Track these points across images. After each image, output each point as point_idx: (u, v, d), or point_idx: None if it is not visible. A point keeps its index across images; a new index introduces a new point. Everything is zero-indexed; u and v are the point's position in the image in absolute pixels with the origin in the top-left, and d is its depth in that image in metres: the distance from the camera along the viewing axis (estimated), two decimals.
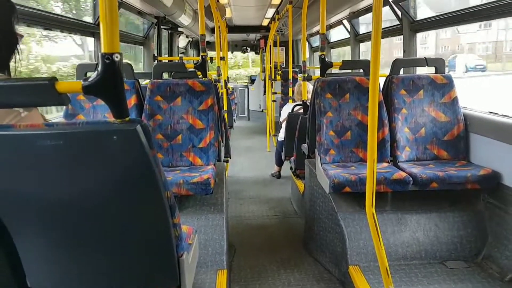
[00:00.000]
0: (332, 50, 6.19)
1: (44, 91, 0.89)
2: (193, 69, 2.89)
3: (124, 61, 3.80)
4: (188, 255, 1.24)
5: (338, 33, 5.84)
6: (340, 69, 2.88)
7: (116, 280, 1.19)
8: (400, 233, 2.18)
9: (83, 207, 1.03)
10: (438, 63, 2.56)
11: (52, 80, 0.89)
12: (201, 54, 2.79)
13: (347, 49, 5.21)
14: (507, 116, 2.09)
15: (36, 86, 0.90)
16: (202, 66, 2.71)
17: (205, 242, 2.15)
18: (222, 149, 2.77)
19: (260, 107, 8.77)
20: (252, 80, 9.59)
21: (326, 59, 2.71)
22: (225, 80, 5.07)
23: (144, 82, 3.55)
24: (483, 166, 2.18)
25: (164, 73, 2.80)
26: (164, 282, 1.20)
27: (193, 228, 1.45)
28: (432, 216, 2.20)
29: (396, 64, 2.58)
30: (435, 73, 2.56)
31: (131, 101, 2.56)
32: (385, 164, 2.38)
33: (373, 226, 1.60)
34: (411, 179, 2.11)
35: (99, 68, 0.88)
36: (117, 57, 0.88)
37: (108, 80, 0.89)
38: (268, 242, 2.80)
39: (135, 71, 2.68)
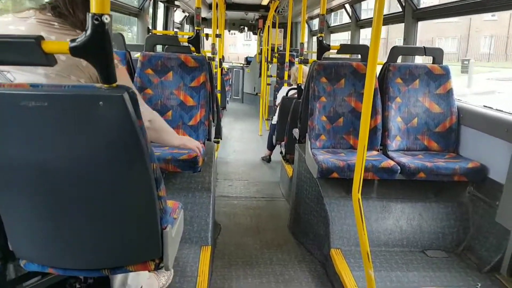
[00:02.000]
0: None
1: (30, 49, 0.86)
2: (187, 44, 2.82)
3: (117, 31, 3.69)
4: (172, 229, 1.23)
5: (339, 21, 5.74)
6: (337, 52, 2.82)
7: (99, 248, 1.19)
8: (384, 220, 2.19)
9: (67, 172, 1.01)
10: (436, 53, 2.52)
11: (38, 38, 0.86)
12: (195, 28, 2.71)
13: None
14: (501, 111, 2.08)
15: (21, 44, 0.87)
16: (196, 41, 2.63)
17: (191, 218, 2.15)
18: (213, 129, 2.73)
19: (254, 90, 8.68)
20: (248, 61, 9.44)
21: (325, 42, 2.65)
22: (220, 59, 4.97)
23: (136, 55, 3.46)
24: (472, 159, 2.18)
25: (157, 48, 2.72)
26: (147, 253, 1.20)
27: (179, 203, 1.44)
28: (417, 206, 2.21)
29: (394, 52, 2.54)
30: (432, 63, 2.52)
31: None
32: (374, 152, 2.37)
33: (357, 211, 1.60)
34: (399, 168, 2.11)
35: (88, 29, 0.85)
36: (106, 18, 0.84)
37: (96, 42, 0.86)
38: (253, 222, 2.81)
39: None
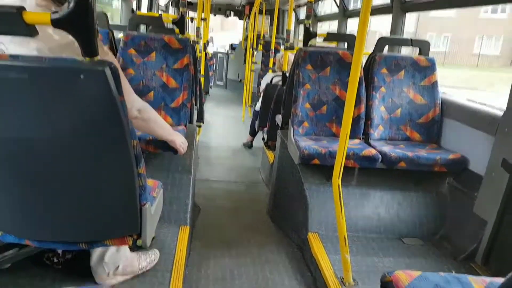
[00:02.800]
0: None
1: (11, 20, 0.85)
2: (171, 27, 2.75)
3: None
4: (151, 206, 1.24)
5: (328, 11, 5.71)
6: (324, 40, 2.81)
7: (77, 222, 1.19)
8: (363, 207, 2.21)
9: (46, 144, 1.00)
10: (422, 45, 2.54)
11: (20, 9, 0.84)
12: (180, 10, 2.65)
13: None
14: (484, 104, 2.12)
15: (3, 14, 0.86)
16: (180, 22, 2.58)
17: (170, 199, 2.13)
18: (195, 112, 2.69)
19: (238, 77, 8.59)
20: (233, 47, 9.31)
21: (311, 30, 2.63)
22: (204, 43, 4.87)
23: (119, 35, 3.34)
24: (453, 150, 2.23)
25: (142, 29, 2.64)
26: (125, 228, 1.21)
27: (159, 182, 1.43)
28: (396, 194, 2.25)
29: (381, 42, 2.54)
30: (418, 55, 2.54)
31: None
32: (356, 141, 2.39)
33: (337, 196, 1.61)
34: (380, 156, 2.13)
35: (71, 1, 0.84)
36: None
37: (79, 14, 0.85)
38: (233, 206, 2.79)
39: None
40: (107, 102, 0.92)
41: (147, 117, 1.55)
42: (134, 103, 1.48)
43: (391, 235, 2.17)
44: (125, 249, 1.60)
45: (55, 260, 1.63)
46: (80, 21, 0.86)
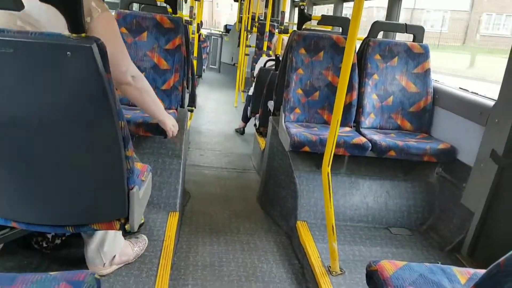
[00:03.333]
0: None
1: None
2: (164, 5, 2.66)
3: None
4: (140, 190, 1.21)
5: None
6: (318, 23, 2.74)
7: (64, 204, 1.17)
8: (351, 196, 2.21)
9: (32, 122, 0.98)
10: (417, 31, 2.50)
11: None
12: None
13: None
14: (476, 94, 2.10)
15: None
16: (173, 1, 2.50)
17: (160, 184, 2.12)
18: (187, 96, 2.64)
19: (232, 60, 8.46)
20: (227, 29, 9.14)
21: (306, 12, 2.56)
22: (198, 24, 4.76)
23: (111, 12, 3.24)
24: (443, 140, 2.22)
25: (134, 8, 2.55)
26: (112, 212, 1.19)
27: (148, 166, 1.41)
28: (384, 183, 2.25)
29: (375, 27, 2.49)
30: (412, 41, 2.50)
31: None
32: (347, 129, 2.37)
33: (326, 185, 1.59)
34: (370, 145, 2.12)
35: None
36: None
37: None
38: (223, 192, 2.78)
39: None
40: (94, 79, 0.90)
41: (140, 86, 1.49)
42: (129, 67, 1.43)
43: (378, 224, 2.18)
44: (120, 237, 1.59)
45: (44, 245, 1.62)
46: None
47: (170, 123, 1.81)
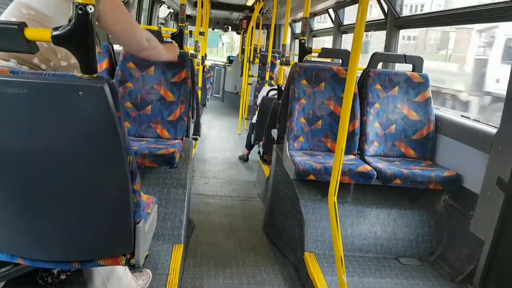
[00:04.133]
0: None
1: (12, 35, 0.87)
2: (170, 40, 2.78)
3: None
4: (145, 224, 1.21)
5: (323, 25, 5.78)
6: (318, 56, 2.83)
7: (70, 240, 1.17)
8: (359, 225, 2.19)
9: (41, 160, 1.00)
10: (416, 61, 2.56)
11: (21, 25, 0.86)
12: (179, 24, 2.69)
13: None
14: (478, 121, 2.12)
15: (4, 30, 0.87)
16: (179, 37, 2.62)
17: (165, 215, 2.11)
18: (192, 125, 2.69)
19: (235, 89, 8.64)
20: (230, 60, 9.40)
21: (306, 45, 2.65)
22: (202, 57, 4.91)
23: (119, 47, 3.38)
24: (448, 168, 2.22)
25: None
26: (118, 247, 1.19)
27: (154, 198, 1.41)
28: (391, 212, 2.23)
29: (374, 58, 2.56)
30: (412, 71, 2.56)
31: (103, 64, 2.45)
32: (351, 157, 2.38)
33: (333, 215, 1.58)
34: (375, 173, 2.12)
35: (71, 18, 0.86)
36: (90, 8, 0.85)
37: (79, 32, 0.87)
38: (228, 222, 2.76)
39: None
40: (105, 118, 0.92)
41: (154, 45, 1.63)
42: (143, 34, 1.56)
43: (388, 254, 2.14)
44: (124, 272, 1.57)
45: (49, 280, 1.60)
46: (80, 39, 0.87)
47: (173, 53, 2.00)
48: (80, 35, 0.87)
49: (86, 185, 1.06)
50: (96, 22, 1.40)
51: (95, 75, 0.91)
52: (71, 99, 0.90)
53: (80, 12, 0.85)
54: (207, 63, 7.69)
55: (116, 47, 3.03)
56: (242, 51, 8.14)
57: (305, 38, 2.67)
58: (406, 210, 2.24)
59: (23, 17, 1.17)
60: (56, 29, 0.87)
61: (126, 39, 1.50)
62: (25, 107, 0.92)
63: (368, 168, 2.13)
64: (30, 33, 0.86)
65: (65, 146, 0.97)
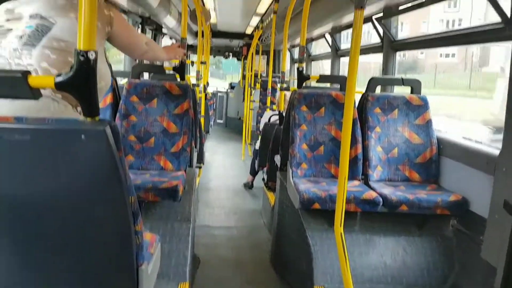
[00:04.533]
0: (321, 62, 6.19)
1: (16, 83, 0.88)
2: (172, 73, 2.84)
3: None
4: (149, 265, 1.19)
5: (321, 47, 5.88)
6: (317, 82, 2.86)
7: (72, 285, 1.15)
8: (368, 255, 2.14)
9: (43, 205, 1.00)
10: (414, 84, 2.57)
11: (25, 73, 0.87)
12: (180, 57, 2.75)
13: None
14: (481, 143, 2.10)
15: (7, 79, 0.89)
16: (180, 69, 2.67)
17: (169, 252, 2.07)
18: (195, 154, 2.70)
19: (238, 115, 8.72)
20: (232, 86, 9.54)
21: (305, 72, 2.69)
22: (204, 85, 4.99)
23: (122, 81, 3.45)
24: (453, 191, 2.18)
25: (144, 75, 2.72)
26: None
27: (157, 236, 1.39)
28: (400, 240, 2.18)
29: (372, 82, 2.58)
30: (411, 94, 2.57)
31: (107, 99, 2.49)
32: (356, 182, 2.35)
33: (340, 247, 1.55)
34: (381, 200, 2.09)
35: (73, 65, 0.87)
36: (92, 54, 0.87)
37: (81, 78, 0.89)
38: (234, 255, 2.71)
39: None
40: (106, 160, 0.93)
41: (153, 46, 1.72)
42: (143, 39, 1.66)
43: (399, 285, 2.07)
44: None
45: None
46: (83, 84, 0.89)
47: (177, 54, 2.03)
48: (82, 81, 0.89)
49: (87, 229, 1.05)
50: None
51: (97, 118, 0.92)
52: (74, 143, 0.91)
53: (82, 58, 0.87)
54: (209, 90, 7.81)
55: (119, 80, 3.10)
56: (243, 77, 8.28)
57: (302, 65, 2.71)
58: (414, 237, 2.19)
59: (56, 51, 1.23)
60: (59, 75, 0.89)
61: (132, 48, 1.61)
62: (28, 153, 0.93)
63: (374, 194, 2.10)
64: (33, 80, 0.88)
65: (67, 189, 0.98)
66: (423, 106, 2.50)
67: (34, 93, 0.90)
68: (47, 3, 1.30)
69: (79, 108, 1.27)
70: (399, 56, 3.29)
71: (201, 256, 2.62)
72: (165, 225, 2.13)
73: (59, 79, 0.88)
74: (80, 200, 1.00)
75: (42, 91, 0.94)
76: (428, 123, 2.47)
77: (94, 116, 0.92)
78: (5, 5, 1.33)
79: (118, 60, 4.91)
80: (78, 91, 0.90)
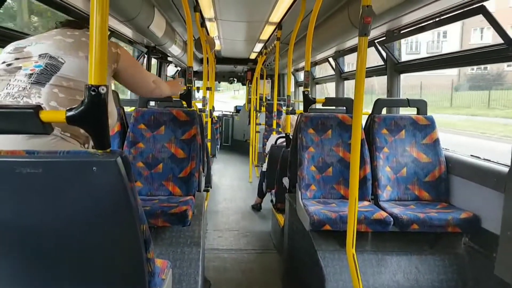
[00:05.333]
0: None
1: (28, 119, 0.90)
2: (179, 99, 2.91)
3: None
4: None
5: (325, 70, 6.00)
6: (323, 105, 2.92)
7: None
8: (380, 274, 2.12)
9: (55, 236, 1.01)
10: (420, 104, 2.62)
11: (36, 108, 0.89)
12: (187, 85, 2.83)
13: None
14: (489, 160, 2.12)
15: (20, 114, 0.90)
16: (187, 96, 2.74)
17: (180, 276, 2.06)
18: (203, 178, 2.72)
19: (244, 137, 8.79)
20: (237, 110, 9.67)
21: (310, 95, 2.75)
22: (210, 110, 5.09)
23: (129, 109, 3.55)
24: (464, 209, 2.18)
25: (151, 103, 2.78)
26: None
27: (168, 262, 1.40)
28: (412, 259, 2.16)
29: (378, 104, 2.63)
30: (417, 114, 2.61)
31: (115, 128, 2.55)
32: (366, 203, 2.36)
33: (353, 268, 1.55)
34: (391, 219, 2.09)
35: (85, 99, 0.89)
36: (103, 89, 0.89)
37: (92, 112, 0.90)
38: (245, 278, 2.69)
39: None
40: (118, 190, 0.94)
41: (159, 84, 1.76)
42: (151, 76, 1.70)
43: None
44: None
45: None
46: (94, 118, 0.91)
47: (179, 88, 2.13)
48: (93, 115, 0.90)
49: (99, 258, 1.06)
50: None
51: (108, 150, 0.93)
52: (86, 175, 0.92)
53: (93, 93, 0.88)
54: (215, 114, 7.93)
55: (127, 109, 3.18)
56: (249, 100, 8.41)
57: (308, 89, 2.78)
58: (427, 255, 2.17)
59: (64, 89, 1.24)
60: (70, 110, 0.91)
61: (139, 86, 1.64)
62: (40, 185, 0.94)
63: (384, 214, 2.11)
64: (45, 115, 0.89)
65: (79, 220, 0.99)
66: (430, 125, 2.53)
67: (46, 128, 0.91)
68: (57, 42, 1.32)
69: (86, 145, 1.30)
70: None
71: (212, 280, 2.60)
72: (175, 250, 2.14)
73: (70, 113, 0.90)
74: (92, 230, 1.01)
75: None
76: (436, 142, 2.50)
77: (106, 148, 0.93)
78: (14, 43, 1.36)
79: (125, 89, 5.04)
80: (90, 125, 0.92)
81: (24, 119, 0.90)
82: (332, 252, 2.15)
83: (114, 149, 0.95)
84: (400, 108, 3.14)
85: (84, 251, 1.04)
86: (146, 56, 4.82)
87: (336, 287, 2.05)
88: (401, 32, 2.98)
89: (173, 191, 2.39)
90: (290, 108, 3.62)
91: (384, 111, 2.68)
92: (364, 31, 1.53)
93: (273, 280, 2.66)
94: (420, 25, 2.72)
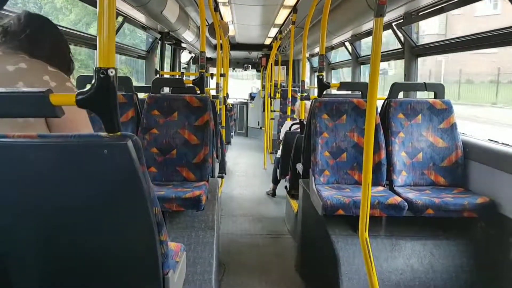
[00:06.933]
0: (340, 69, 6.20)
1: (39, 102, 0.91)
2: (192, 86, 2.91)
3: (124, 75, 3.81)
4: (174, 274, 1.21)
5: (341, 55, 5.89)
6: (338, 90, 2.88)
7: None
8: (394, 259, 2.11)
9: (68, 218, 1.03)
10: (437, 88, 2.55)
11: (47, 92, 0.90)
12: (200, 70, 2.82)
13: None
14: (507, 145, 2.06)
15: (31, 97, 0.92)
16: (200, 82, 2.74)
17: (194, 259, 2.10)
18: (217, 165, 2.75)
19: (258, 124, 8.80)
20: (252, 97, 9.65)
21: (325, 80, 2.72)
22: (224, 97, 5.09)
23: (143, 95, 3.59)
24: (480, 194, 2.14)
25: (165, 89, 2.79)
26: None
27: (182, 245, 1.42)
28: (427, 243, 2.14)
29: (395, 88, 2.57)
30: (434, 98, 2.55)
31: (129, 114, 2.57)
32: (380, 188, 2.34)
33: (365, 253, 1.55)
34: (406, 204, 2.07)
35: (94, 82, 0.90)
36: (112, 72, 0.89)
37: (101, 95, 0.91)
38: (259, 262, 2.73)
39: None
40: (129, 173, 0.95)
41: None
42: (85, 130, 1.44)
43: None
44: None
45: None
46: (103, 101, 0.92)
47: None
48: (103, 98, 0.91)
49: (113, 240, 1.07)
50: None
51: (118, 133, 0.94)
52: (97, 158, 0.93)
53: (102, 76, 0.89)
54: (229, 101, 7.95)
55: (140, 95, 3.22)
56: (263, 87, 8.36)
57: (323, 74, 2.74)
58: (442, 240, 2.15)
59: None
60: (80, 93, 0.92)
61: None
62: (52, 168, 0.96)
63: (399, 199, 2.09)
64: (55, 99, 0.90)
65: (91, 202, 1.00)
66: (447, 110, 2.47)
67: (57, 111, 0.92)
68: None
69: None
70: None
71: (226, 264, 2.65)
72: (189, 234, 2.18)
73: (80, 96, 0.91)
74: (105, 212, 1.02)
75: None
76: (453, 126, 2.44)
77: (116, 131, 0.93)
78: None
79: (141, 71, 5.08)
80: (99, 107, 0.92)
81: (35, 103, 0.91)
82: (345, 237, 2.16)
83: (125, 133, 0.95)
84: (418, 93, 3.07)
85: (97, 232, 1.06)
86: (159, 42, 4.83)
87: (350, 271, 2.06)
88: (419, 14, 2.88)
89: (187, 177, 2.42)
90: (305, 94, 3.59)
91: (400, 96, 2.62)
92: (379, 12, 1.49)
93: (287, 264, 2.69)
94: (439, 6, 2.62)
